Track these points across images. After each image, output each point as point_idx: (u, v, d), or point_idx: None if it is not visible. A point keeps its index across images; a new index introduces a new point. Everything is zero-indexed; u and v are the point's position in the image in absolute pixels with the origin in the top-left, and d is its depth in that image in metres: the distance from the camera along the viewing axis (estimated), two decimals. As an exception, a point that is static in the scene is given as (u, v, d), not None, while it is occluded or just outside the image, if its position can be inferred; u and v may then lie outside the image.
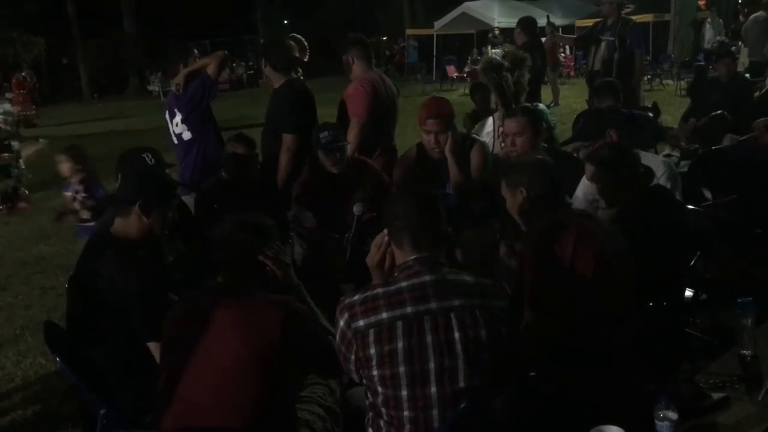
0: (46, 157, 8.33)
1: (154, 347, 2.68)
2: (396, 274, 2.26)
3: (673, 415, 2.01)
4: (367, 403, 2.26)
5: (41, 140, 15.57)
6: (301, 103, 4.89)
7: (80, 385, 2.64)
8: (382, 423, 2.20)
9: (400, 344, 2.12)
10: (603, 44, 7.66)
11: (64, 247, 7.04)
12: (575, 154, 4.36)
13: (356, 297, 2.20)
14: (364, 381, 2.22)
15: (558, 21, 18.11)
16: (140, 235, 2.89)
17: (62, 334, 2.90)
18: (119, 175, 3.45)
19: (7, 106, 9.42)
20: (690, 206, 3.82)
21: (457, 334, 2.14)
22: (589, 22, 10.09)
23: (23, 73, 22.26)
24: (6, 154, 8.99)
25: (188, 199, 4.50)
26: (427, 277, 2.20)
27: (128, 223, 2.88)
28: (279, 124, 4.81)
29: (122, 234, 2.89)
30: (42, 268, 6.64)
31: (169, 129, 5.16)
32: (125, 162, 3.74)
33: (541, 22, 10.17)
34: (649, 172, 3.38)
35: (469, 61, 22.32)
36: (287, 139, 4.72)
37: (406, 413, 2.14)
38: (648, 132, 5.39)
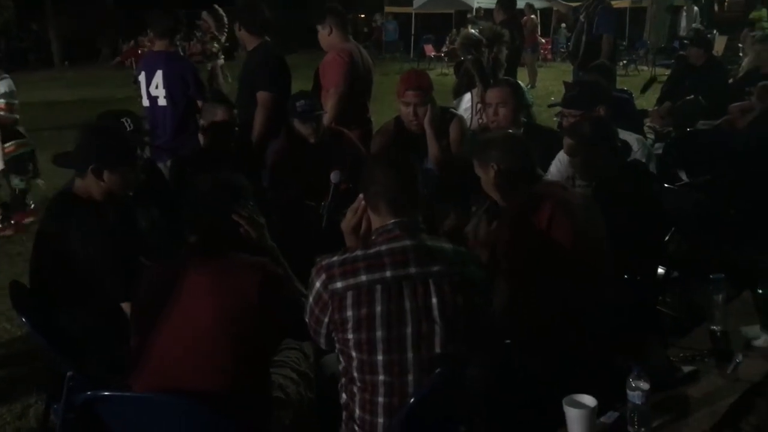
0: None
1: (128, 308, 2.63)
2: (374, 238, 2.23)
3: (644, 386, 2.02)
4: (340, 368, 2.23)
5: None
6: (278, 65, 4.85)
7: (47, 347, 2.60)
8: (355, 389, 2.18)
9: (378, 308, 2.10)
10: (578, 24, 7.65)
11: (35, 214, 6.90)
12: (559, 120, 4.30)
13: (335, 258, 2.17)
14: (338, 345, 2.19)
15: (537, 3, 18.12)
16: (102, 197, 2.84)
17: (28, 294, 2.84)
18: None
19: (11, 83, 6.33)
20: (665, 185, 3.85)
21: (434, 300, 2.13)
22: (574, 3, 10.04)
23: None
24: (13, 143, 6.31)
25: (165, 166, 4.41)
26: (407, 242, 2.17)
27: (87, 184, 2.83)
28: (255, 85, 4.74)
29: (85, 194, 2.83)
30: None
31: (140, 88, 4.94)
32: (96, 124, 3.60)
33: (520, 4, 10.15)
34: (626, 147, 3.38)
35: (447, 41, 22.22)
36: (263, 97, 4.66)
37: (381, 377, 2.13)
38: (636, 114, 5.43)
